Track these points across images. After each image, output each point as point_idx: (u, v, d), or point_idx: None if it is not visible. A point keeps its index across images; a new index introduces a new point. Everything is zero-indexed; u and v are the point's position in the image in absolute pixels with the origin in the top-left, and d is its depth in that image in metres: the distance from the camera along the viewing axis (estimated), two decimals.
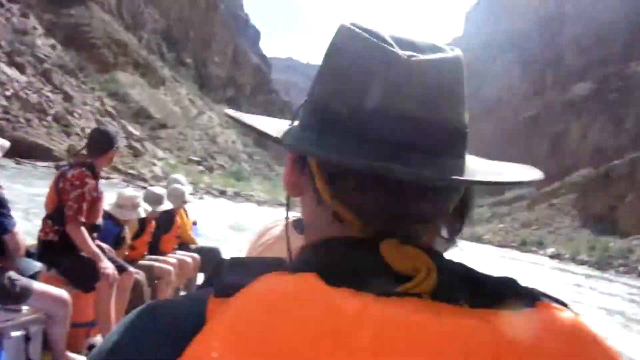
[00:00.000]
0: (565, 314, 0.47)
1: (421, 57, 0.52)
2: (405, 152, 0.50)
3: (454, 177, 0.52)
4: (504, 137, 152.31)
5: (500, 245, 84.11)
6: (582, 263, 57.98)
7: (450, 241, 0.66)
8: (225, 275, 0.51)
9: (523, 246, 79.29)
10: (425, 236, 0.56)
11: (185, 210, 6.68)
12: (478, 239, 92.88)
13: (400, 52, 0.52)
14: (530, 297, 0.50)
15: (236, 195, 62.91)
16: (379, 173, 0.49)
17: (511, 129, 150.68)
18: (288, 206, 0.63)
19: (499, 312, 0.44)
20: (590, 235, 75.74)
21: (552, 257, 64.91)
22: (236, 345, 0.43)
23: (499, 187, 0.58)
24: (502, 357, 0.41)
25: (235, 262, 0.55)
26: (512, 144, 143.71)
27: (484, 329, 0.42)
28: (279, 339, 0.42)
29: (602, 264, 55.94)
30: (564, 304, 0.54)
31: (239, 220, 26.09)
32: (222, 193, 61.04)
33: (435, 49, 0.54)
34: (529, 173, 0.60)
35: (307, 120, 0.56)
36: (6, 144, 3.56)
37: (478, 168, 0.60)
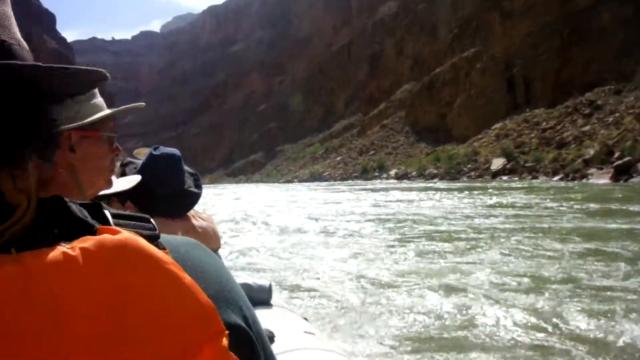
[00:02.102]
0: (115, 236, 0.44)
1: None
2: None
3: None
4: (320, 71, 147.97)
5: (342, 179, 79.13)
6: (432, 177, 53.66)
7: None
8: None
9: (365, 174, 74.67)
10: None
11: None
12: (320, 177, 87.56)
13: None
14: (101, 223, 0.47)
15: None
16: None
17: (326, 61, 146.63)
18: None
19: (39, 252, 0.41)
20: (427, 147, 72.86)
21: (398, 178, 60.37)
22: None
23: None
24: (34, 295, 0.39)
25: None
26: (329, 76, 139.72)
27: (17, 273, 0.40)
28: None
29: (453, 173, 51.91)
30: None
31: None
32: None
33: None
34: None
35: None
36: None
37: None
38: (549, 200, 18.94)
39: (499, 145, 51.85)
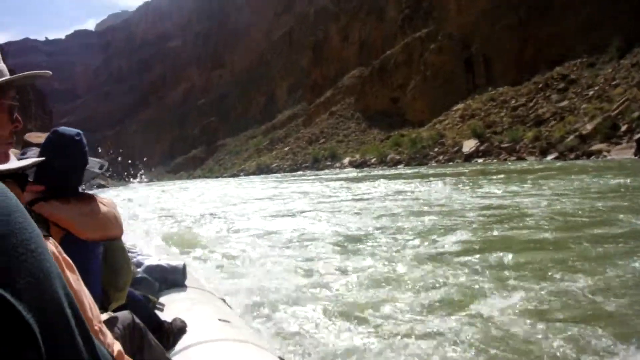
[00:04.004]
0: None
1: None
2: None
3: None
4: (260, 60, 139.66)
5: (292, 170, 71.67)
6: (396, 163, 47.20)
7: None
8: None
9: (317, 163, 67.55)
10: None
11: None
12: (268, 169, 79.61)
13: None
14: None
15: None
16: None
17: (267, 50, 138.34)
18: None
19: None
20: (380, 133, 66.59)
21: (356, 166, 53.68)
22: None
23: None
24: None
25: None
26: (271, 65, 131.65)
27: None
28: None
29: (419, 158, 45.65)
30: None
31: None
32: None
33: None
34: None
35: None
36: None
37: None
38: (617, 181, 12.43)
39: (467, 127, 45.99)
